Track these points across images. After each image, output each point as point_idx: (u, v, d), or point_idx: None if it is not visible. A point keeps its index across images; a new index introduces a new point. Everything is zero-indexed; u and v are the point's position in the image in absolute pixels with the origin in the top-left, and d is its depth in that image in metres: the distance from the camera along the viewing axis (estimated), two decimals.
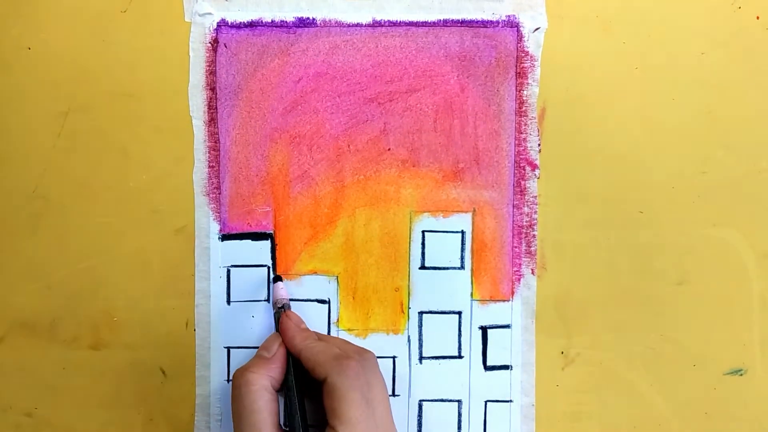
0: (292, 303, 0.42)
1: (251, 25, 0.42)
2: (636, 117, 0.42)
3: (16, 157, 0.42)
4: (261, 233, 0.43)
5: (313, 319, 0.42)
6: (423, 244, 0.43)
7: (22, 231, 0.43)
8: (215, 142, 0.42)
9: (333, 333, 0.43)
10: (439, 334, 0.43)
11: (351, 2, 0.42)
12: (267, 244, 0.42)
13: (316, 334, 0.40)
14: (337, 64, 0.42)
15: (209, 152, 0.42)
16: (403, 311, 0.43)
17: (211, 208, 0.42)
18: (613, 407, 0.43)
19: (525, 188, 0.42)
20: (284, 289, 0.41)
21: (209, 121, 0.42)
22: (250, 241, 0.42)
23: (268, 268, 0.43)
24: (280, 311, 0.40)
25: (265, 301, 0.43)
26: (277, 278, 0.42)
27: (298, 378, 0.37)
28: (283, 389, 0.38)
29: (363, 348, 0.39)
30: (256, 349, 0.42)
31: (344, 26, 0.42)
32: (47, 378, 0.43)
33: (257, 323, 0.43)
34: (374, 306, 0.42)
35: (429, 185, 0.42)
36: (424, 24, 0.42)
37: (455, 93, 0.42)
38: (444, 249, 0.43)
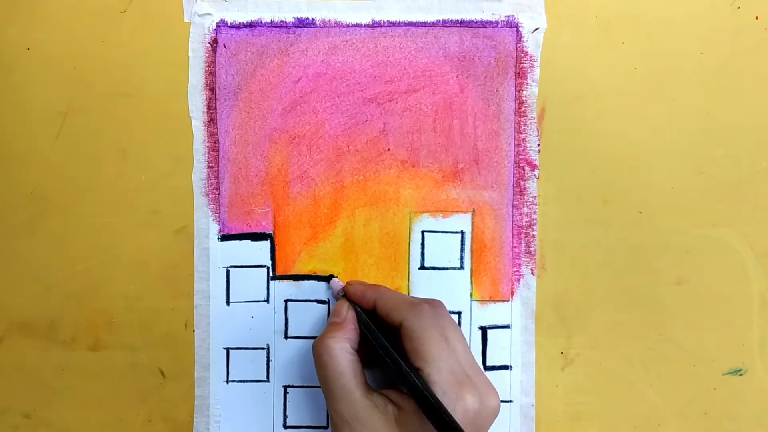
0: (291, 303, 0.42)
1: (250, 25, 0.42)
2: (635, 117, 0.42)
3: (15, 158, 0.42)
4: (260, 233, 0.42)
5: (313, 318, 0.42)
6: (422, 244, 0.43)
7: (21, 232, 0.42)
8: (214, 142, 0.42)
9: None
10: None
11: (350, 3, 0.42)
12: (266, 244, 0.42)
13: None
14: (336, 65, 0.42)
15: (208, 153, 0.42)
16: None
17: (210, 209, 0.42)
18: (612, 407, 0.43)
19: (524, 188, 0.42)
20: (338, 280, 0.42)
21: (208, 122, 0.42)
22: (249, 241, 0.42)
23: (268, 268, 0.43)
24: (342, 291, 0.41)
25: (264, 301, 0.43)
26: (330, 276, 0.42)
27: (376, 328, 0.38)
28: (361, 347, 0.38)
29: (432, 298, 0.39)
30: (256, 350, 0.42)
31: (343, 26, 0.42)
32: (46, 379, 0.43)
33: (257, 324, 0.43)
34: None
35: (428, 185, 0.42)
36: (424, 24, 0.42)
37: (455, 93, 0.42)
38: (443, 249, 0.43)
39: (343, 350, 0.36)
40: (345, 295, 0.40)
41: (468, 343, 0.42)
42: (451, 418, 0.33)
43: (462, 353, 0.36)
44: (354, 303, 0.39)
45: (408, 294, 0.42)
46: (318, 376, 0.37)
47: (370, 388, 0.36)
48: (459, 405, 0.34)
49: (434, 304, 0.37)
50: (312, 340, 0.43)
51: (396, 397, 0.36)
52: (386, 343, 0.36)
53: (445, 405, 0.33)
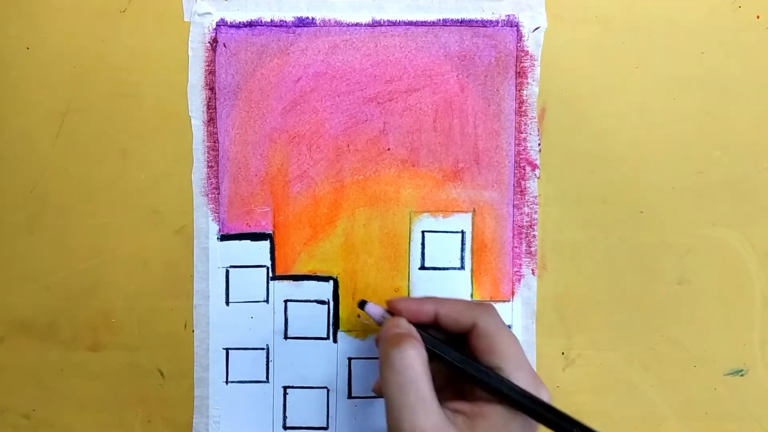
0: (291, 303, 0.42)
1: (250, 24, 0.42)
2: (636, 117, 0.42)
3: (15, 157, 0.42)
4: (260, 233, 0.42)
5: (313, 319, 0.42)
6: (423, 244, 0.43)
7: (21, 231, 0.42)
8: (214, 142, 0.42)
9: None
10: None
11: (350, 2, 0.42)
12: (266, 244, 0.42)
13: None
14: (336, 64, 0.42)
15: (208, 152, 0.42)
16: None
17: (210, 209, 0.42)
18: (613, 408, 0.43)
19: (525, 188, 0.42)
20: (374, 305, 0.39)
21: (208, 121, 0.42)
22: (249, 241, 0.42)
23: (268, 268, 0.42)
24: (384, 315, 0.38)
25: (264, 302, 0.43)
26: (363, 302, 0.39)
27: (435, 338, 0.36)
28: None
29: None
30: (256, 350, 0.42)
31: (344, 26, 0.42)
32: (45, 379, 0.43)
33: (256, 324, 0.43)
34: None
35: (429, 185, 0.42)
36: (424, 23, 0.42)
37: (455, 93, 0.42)
38: (444, 249, 0.43)
39: (421, 357, 0.34)
40: (391, 313, 0.38)
41: None
42: (552, 407, 0.33)
43: (526, 353, 0.36)
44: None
45: (409, 294, 0.42)
46: (391, 382, 0.34)
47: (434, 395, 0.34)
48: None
49: (489, 304, 0.37)
50: (308, 341, 0.43)
51: (462, 407, 0.35)
52: (456, 352, 0.35)
53: None
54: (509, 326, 0.42)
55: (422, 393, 0.33)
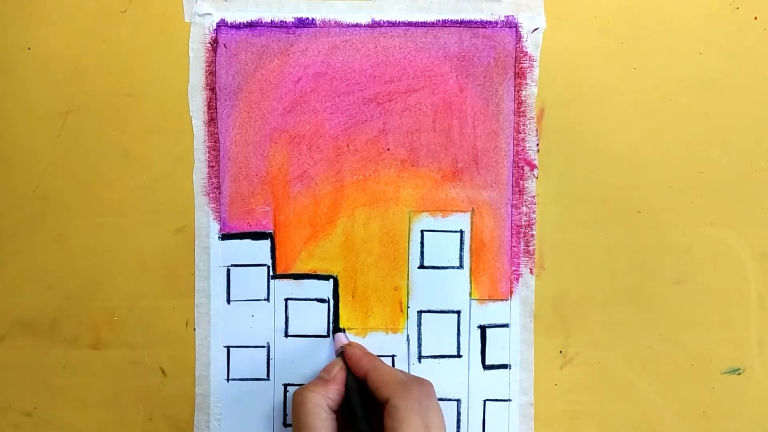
0: (291, 301, 0.43)
1: (251, 25, 0.42)
2: (634, 117, 0.42)
3: (17, 157, 0.42)
4: (261, 233, 0.43)
5: (314, 317, 0.43)
6: (422, 243, 0.43)
7: (23, 231, 0.43)
8: (215, 142, 0.42)
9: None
10: (438, 334, 0.43)
11: (350, 3, 0.42)
12: (267, 243, 0.43)
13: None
14: (336, 65, 0.42)
15: (209, 152, 0.42)
16: (402, 310, 0.43)
17: (211, 208, 0.43)
18: (611, 406, 0.43)
19: (523, 188, 0.42)
20: (344, 336, 0.42)
21: (209, 121, 0.42)
22: (249, 240, 0.43)
23: (268, 267, 0.43)
24: (342, 349, 0.41)
25: (264, 300, 0.43)
26: (338, 329, 0.43)
27: (361, 398, 0.38)
28: (341, 411, 0.38)
29: (423, 378, 0.39)
30: (256, 348, 0.43)
31: (343, 26, 0.42)
32: (47, 377, 0.43)
33: (257, 322, 0.43)
34: (373, 305, 0.43)
35: (428, 185, 0.43)
36: (423, 24, 0.42)
37: (454, 93, 0.42)
38: (443, 248, 0.43)
39: (317, 406, 0.36)
40: (343, 354, 0.40)
41: (467, 343, 0.43)
42: None
43: None
44: (348, 366, 0.39)
45: (408, 295, 0.43)
46: (292, 423, 0.37)
47: None
48: None
49: (423, 385, 0.38)
50: (308, 339, 0.43)
51: None
52: (363, 413, 0.37)
53: None
54: (506, 325, 0.43)
55: None
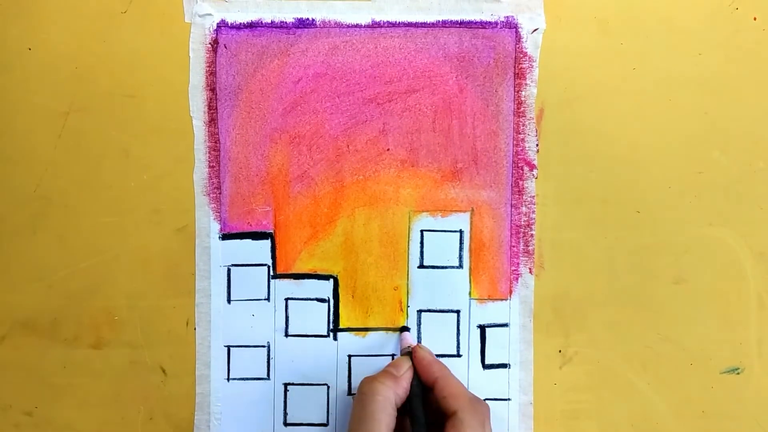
0: (292, 301, 0.43)
1: (251, 26, 0.42)
2: (633, 117, 0.42)
3: (18, 157, 0.43)
4: (261, 233, 0.43)
5: (314, 317, 0.43)
6: (422, 243, 0.43)
7: (24, 230, 0.43)
8: (215, 142, 0.42)
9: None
10: (438, 333, 0.43)
11: (350, 3, 0.42)
12: (267, 243, 0.43)
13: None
14: (336, 65, 0.42)
15: (209, 152, 0.43)
16: (402, 310, 0.43)
17: (211, 208, 0.43)
18: (610, 406, 0.43)
19: (523, 188, 0.43)
20: (410, 336, 0.42)
21: (209, 122, 0.42)
22: (250, 240, 0.43)
23: (269, 267, 0.43)
24: (409, 348, 0.40)
25: (265, 300, 0.43)
26: (405, 328, 0.43)
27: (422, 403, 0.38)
28: (404, 411, 0.38)
29: (482, 399, 0.39)
30: (257, 348, 0.43)
31: (343, 27, 0.42)
32: (48, 377, 0.43)
33: (257, 322, 0.43)
34: (373, 305, 0.43)
35: (428, 185, 0.43)
36: (423, 25, 0.42)
37: (454, 93, 0.42)
38: (442, 248, 0.43)
39: (387, 400, 0.36)
40: (410, 354, 0.40)
41: (467, 342, 0.43)
42: None
43: None
44: (415, 367, 0.39)
45: (408, 294, 0.43)
46: (354, 411, 0.37)
47: None
48: None
49: (487, 407, 0.38)
50: (309, 339, 0.43)
51: None
52: (424, 419, 0.37)
53: None
54: (506, 325, 0.43)
55: (373, 429, 0.35)
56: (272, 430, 0.43)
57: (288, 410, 0.43)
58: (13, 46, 0.42)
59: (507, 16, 0.42)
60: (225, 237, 0.43)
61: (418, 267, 0.43)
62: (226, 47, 0.42)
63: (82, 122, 0.42)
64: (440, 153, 0.43)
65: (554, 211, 0.43)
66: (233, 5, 0.42)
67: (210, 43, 0.42)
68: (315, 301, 0.43)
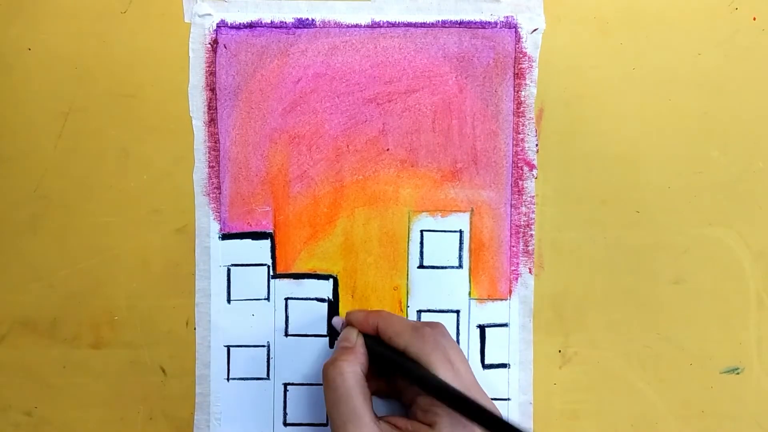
0: (291, 301, 0.43)
1: (251, 26, 0.42)
2: (633, 117, 0.42)
3: (17, 158, 0.43)
4: (261, 233, 0.43)
5: (314, 316, 0.43)
6: (421, 243, 0.43)
7: (23, 231, 0.43)
8: (215, 142, 0.42)
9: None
10: None
11: (350, 3, 0.42)
12: (267, 243, 0.43)
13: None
14: (336, 65, 0.42)
15: (209, 152, 0.43)
16: (401, 310, 0.43)
17: (211, 208, 0.43)
18: (610, 406, 0.43)
19: (523, 188, 0.43)
20: (338, 318, 0.42)
21: (209, 122, 0.42)
22: (250, 240, 0.43)
23: (268, 267, 0.43)
24: (344, 325, 0.40)
25: (264, 300, 0.43)
26: (330, 318, 0.43)
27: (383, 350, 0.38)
28: (379, 372, 0.38)
29: (432, 321, 0.39)
30: (256, 348, 0.43)
31: (343, 27, 0.42)
32: (47, 377, 0.43)
33: (257, 322, 0.43)
34: (373, 304, 0.43)
35: (427, 185, 0.43)
36: (423, 25, 0.42)
37: (453, 94, 0.42)
38: (442, 248, 0.43)
39: (355, 373, 0.36)
40: (349, 324, 0.40)
41: (466, 342, 0.43)
42: (483, 407, 0.32)
43: (465, 374, 0.36)
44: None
45: (408, 294, 0.43)
46: (327, 398, 0.36)
47: (377, 416, 0.36)
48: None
49: (435, 327, 0.37)
50: (308, 338, 0.43)
51: (403, 424, 0.36)
52: (396, 354, 0.36)
53: None
54: (505, 325, 0.43)
55: (353, 406, 0.34)
56: (272, 430, 0.43)
57: (288, 410, 0.43)
58: (12, 47, 0.42)
59: (507, 16, 0.42)
60: (225, 237, 0.43)
61: (418, 267, 0.43)
62: (225, 47, 0.42)
63: (81, 122, 0.42)
64: (440, 153, 0.43)
65: (554, 211, 0.43)
66: (233, 5, 0.42)
67: (210, 43, 0.42)
68: (315, 301, 0.43)
